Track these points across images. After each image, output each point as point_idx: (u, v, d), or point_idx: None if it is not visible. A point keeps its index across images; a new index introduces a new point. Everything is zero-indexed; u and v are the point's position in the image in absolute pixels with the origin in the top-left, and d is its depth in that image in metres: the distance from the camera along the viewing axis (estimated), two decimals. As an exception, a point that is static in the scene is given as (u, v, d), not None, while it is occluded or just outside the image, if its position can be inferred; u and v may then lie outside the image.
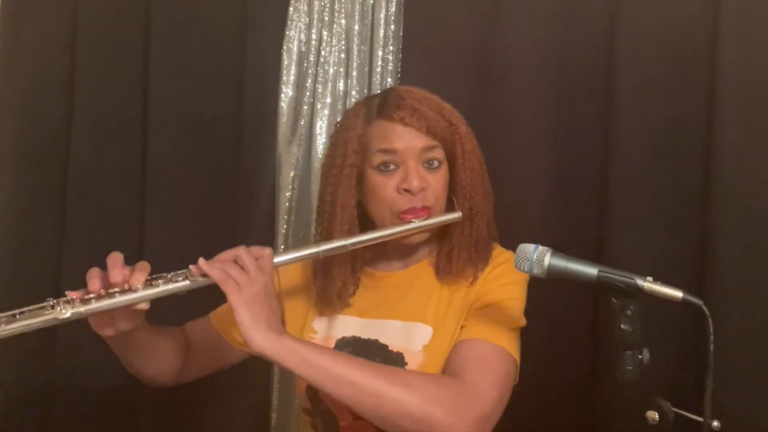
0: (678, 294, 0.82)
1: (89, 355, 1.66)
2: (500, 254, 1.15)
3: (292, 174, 1.66)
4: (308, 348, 0.95)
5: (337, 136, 1.17)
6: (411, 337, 1.09)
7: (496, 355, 1.02)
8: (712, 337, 0.80)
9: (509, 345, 1.03)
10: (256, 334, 0.91)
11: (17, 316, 0.88)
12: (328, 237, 1.10)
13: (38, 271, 1.73)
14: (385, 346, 1.10)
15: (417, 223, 1.08)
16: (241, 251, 0.98)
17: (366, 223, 1.14)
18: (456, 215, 1.10)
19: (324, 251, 1.05)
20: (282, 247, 1.65)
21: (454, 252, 1.11)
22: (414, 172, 1.08)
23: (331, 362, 0.93)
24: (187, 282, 0.96)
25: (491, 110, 1.48)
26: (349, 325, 1.15)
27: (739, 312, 1.32)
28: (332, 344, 1.13)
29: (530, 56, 1.47)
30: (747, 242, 1.33)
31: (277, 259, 1.01)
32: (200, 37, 1.68)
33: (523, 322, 1.09)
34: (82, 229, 1.70)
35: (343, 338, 1.14)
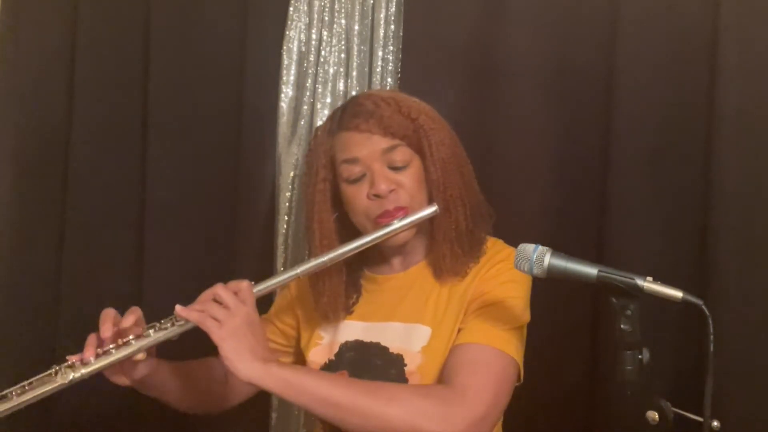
0: (678, 294, 0.82)
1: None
2: (500, 250, 1.13)
3: (292, 174, 1.66)
4: (292, 372, 0.97)
5: (309, 153, 1.18)
6: (410, 339, 1.09)
7: (490, 357, 1.01)
8: (711, 337, 0.80)
9: (506, 346, 1.02)
10: (241, 365, 0.94)
11: (26, 387, 0.97)
12: (312, 253, 1.11)
13: (38, 270, 1.73)
14: (385, 349, 1.10)
15: (393, 225, 1.07)
16: (218, 289, 1.00)
17: (356, 235, 1.13)
18: (431, 210, 1.09)
19: (303, 272, 1.06)
20: (282, 247, 1.65)
21: (440, 247, 1.10)
22: (380, 176, 1.08)
23: (314, 385, 0.95)
24: (175, 327, 1.01)
25: (491, 110, 1.48)
26: (352, 329, 1.15)
27: (739, 312, 1.31)
28: (336, 349, 1.14)
29: (530, 56, 1.47)
30: (747, 242, 1.33)
31: (257, 288, 1.04)
32: (200, 37, 1.68)
33: (525, 319, 1.08)
34: (81, 230, 1.71)
35: (346, 342, 1.14)
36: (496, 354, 1.01)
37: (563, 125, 1.47)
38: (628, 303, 0.84)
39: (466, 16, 1.51)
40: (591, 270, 0.88)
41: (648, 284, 0.83)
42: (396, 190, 1.08)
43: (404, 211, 1.09)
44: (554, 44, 1.47)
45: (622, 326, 0.84)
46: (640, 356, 0.84)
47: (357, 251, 1.08)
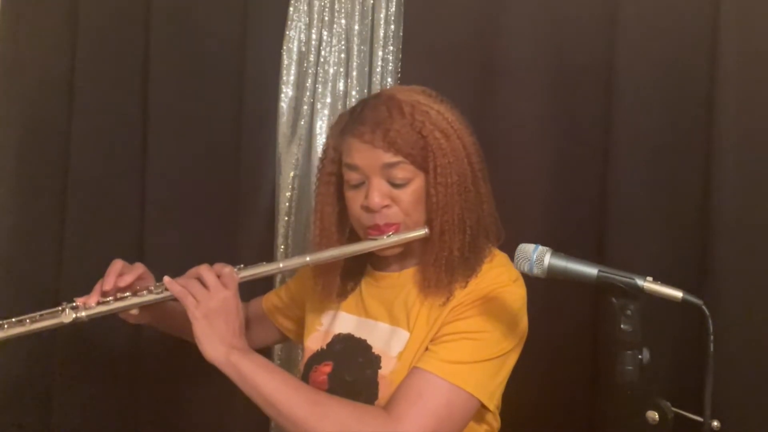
0: (678, 294, 0.82)
1: (89, 354, 1.67)
2: (488, 270, 1.08)
3: (292, 174, 1.66)
4: (248, 365, 1.00)
5: (325, 142, 1.18)
6: (391, 342, 1.08)
7: (438, 390, 0.98)
8: (711, 337, 0.80)
9: (463, 381, 0.99)
10: (206, 346, 1.01)
11: (37, 318, 1.09)
12: (311, 243, 1.14)
13: (39, 268, 1.73)
14: (369, 347, 1.10)
15: (380, 241, 1.07)
16: (202, 269, 1.07)
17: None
18: (421, 232, 1.06)
19: (285, 267, 1.15)
20: (282, 247, 1.65)
21: (427, 269, 1.07)
22: (375, 190, 1.05)
23: (263, 383, 0.99)
24: (164, 294, 1.09)
25: (491, 110, 1.48)
26: (346, 322, 1.16)
27: (739, 312, 1.31)
28: (330, 338, 1.16)
29: (530, 56, 1.47)
30: (747, 242, 1.33)
31: (241, 275, 1.09)
32: (200, 37, 1.68)
33: (500, 351, 1.03)
34: (82, 230, 1.70)
35: (339, 334, 1.15)
36: (447, 388, 0.98)
37: (563, 125, 1.47)
38: (628, 303, 0.84)
39: (466, 16, 1.51)
40: (591, 270, 0.88)
41: (648, 284, 0.83)
42: (390, 205, 1.06)
43: (395, 227, 1.07)
44: (554, 44, 1.47)
45: (622, 326, 0.84)
46: (640, 356, 0.84)
47: (336, 259, 1.12)
